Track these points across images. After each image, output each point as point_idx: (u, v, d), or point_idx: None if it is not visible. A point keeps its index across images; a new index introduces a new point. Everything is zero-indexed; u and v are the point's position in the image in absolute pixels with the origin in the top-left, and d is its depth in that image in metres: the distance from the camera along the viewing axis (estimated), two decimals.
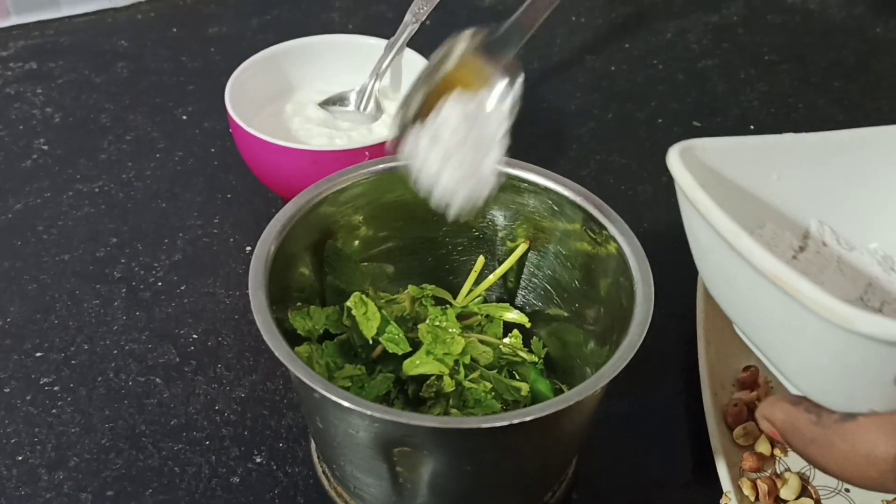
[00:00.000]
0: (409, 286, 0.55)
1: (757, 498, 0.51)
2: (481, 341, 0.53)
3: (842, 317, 0.35)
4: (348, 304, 0.51)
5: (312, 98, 0.71)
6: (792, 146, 0.49)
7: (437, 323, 0.52)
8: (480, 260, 0.56)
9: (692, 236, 0.46)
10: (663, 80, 0.87)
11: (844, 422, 0.38)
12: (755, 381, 0.57)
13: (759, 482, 0.52)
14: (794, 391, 0.42)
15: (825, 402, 0.40)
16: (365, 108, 0.70)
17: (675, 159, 0.44)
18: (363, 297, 0.50)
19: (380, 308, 0.51)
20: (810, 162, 0.49)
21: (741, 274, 0.40)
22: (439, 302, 0.56)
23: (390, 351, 0.50)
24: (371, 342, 0.51)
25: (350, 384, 0.49)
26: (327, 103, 0.70)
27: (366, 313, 0.50)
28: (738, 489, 0.51)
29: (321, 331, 0.51)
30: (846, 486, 0.53)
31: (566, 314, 0.54)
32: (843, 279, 0.49)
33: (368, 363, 0.52)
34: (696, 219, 0.43)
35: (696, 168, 0.44)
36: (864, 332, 0.35)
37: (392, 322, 0.51)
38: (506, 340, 0.55)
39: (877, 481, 0.37)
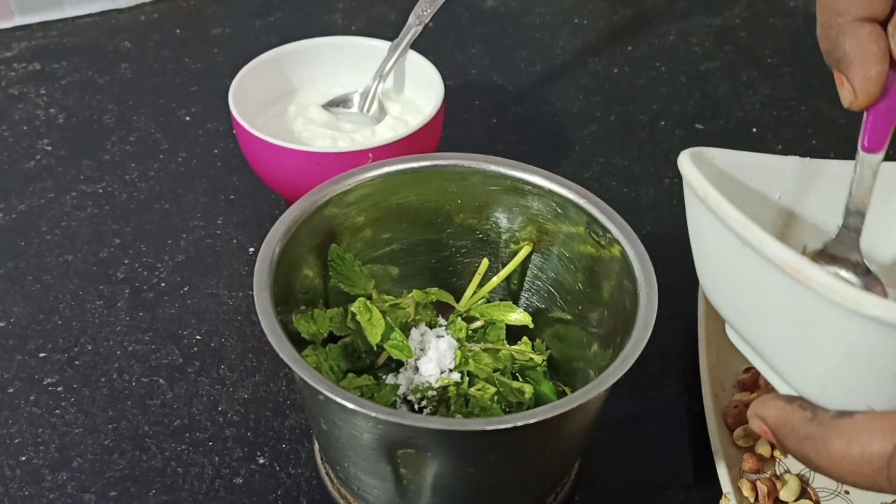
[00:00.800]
0: (414, 291, 0.55)
1: (756, 499, 0.51)
2: (487, 350, 0.53)
3: (855, 301, 0.35)
4: (353, 309, 0.51)
5: (315, 100, 0.71)
6: (796, 169, 0.50)
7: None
8: (484, 263, 0.56)
9: (696, 237, 0.46)
10: (666, 83, 0.87)
11: (840, 418, 0.38)
12: (755, 382, 0.57)
13: (758, 483, 0.52)
14: (787, 391, 0.42)
15: (822, 399, 0.39)
16: (368, 110, 0.70)
17: (687, 161, 0.44)
18: (367, 302, 0.51)
19: (384, 314, 0.51)
20: (812, 186, 0.50)
21: (749, 269, 0.40)
22: (443, 306, 0.56)
23: (395, 357, 0.51)
24: (375, 348, 0.51)
25: (360, 394, 0.49)
26: (330, 105, 0.70)
27: (370, 319, 0.50)
28: (738, 490, 0.51)
29: (325, 334, 0.51)
30: (846, 487, 0.53)
31: (569, 317, 0.54)
32: None
33: (373, 369, 0.53)
34: (703, 216, 0.43)
35: (704, 172, 0.44)
36: (877, 317, 0.35)
37: (396, 329, 0.51)
38: (515, 347, 0.55)
39: (870, 478, 0.37)
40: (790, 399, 0.40)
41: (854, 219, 0.45)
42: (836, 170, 0.51)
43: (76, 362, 0.60)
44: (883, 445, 0.36)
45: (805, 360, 0.40)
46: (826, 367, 0.39)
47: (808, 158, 0.51)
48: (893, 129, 0.43)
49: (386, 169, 0.52)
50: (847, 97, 0.43)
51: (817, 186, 0.51)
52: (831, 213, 0.50)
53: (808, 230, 0.51)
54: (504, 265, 0.56)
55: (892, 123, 0.43)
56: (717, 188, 0.44)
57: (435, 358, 0.51)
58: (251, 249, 0.68)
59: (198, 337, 0.62)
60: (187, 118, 0.81)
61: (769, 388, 0.57)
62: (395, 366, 0.52)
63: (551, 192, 0.52)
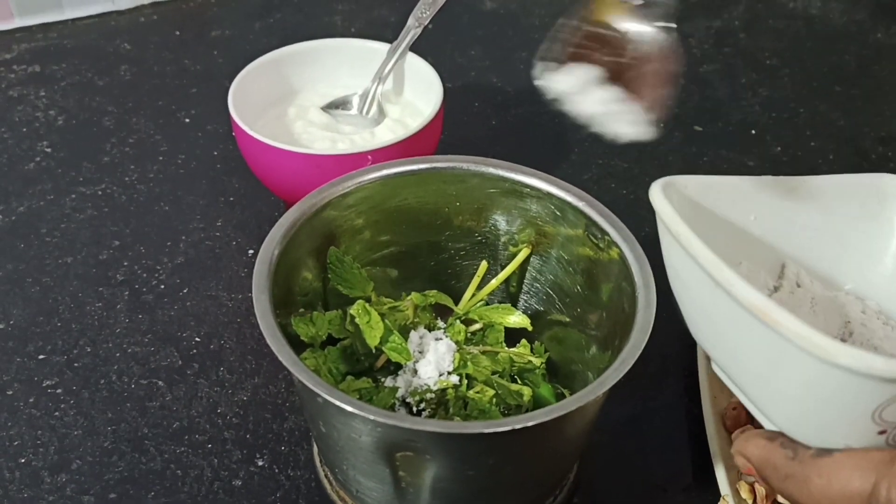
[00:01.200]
0: (412, 293, 0.55)
1: (755, 501, 0.51)
2: (486, 352, 0.53)
3: (823, 349, 0.36)
4: (352, 311, 0.51)
5: (315, 102, 0.71)
6: (770, 188, 0.51)
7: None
8: (483, 265, 0.56)
9: (672, 270, 0.46)
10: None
11: (820, 457, 0.38)
12: None
13: (756, 485, 0.52)
14: (770, 426, 0.42)
15: (801, 437, 0.40)
16: (367, 112, 0.70)
17: (658, 193, 0.45)
18: (366, 305, 0.51)
19: (383, 317, 0.51)
20: (787, 204, 0.51)
21: (721, 307, 0.40)
22: (441, 308, 0.56)
23: (393, 360, 0.51)
24: (374, 350, 0.51)
25: (358, 397, 0.49)
26: (330, 107, 0.70)
27: (369, 322, 0.50)
28: (736, 492, 0.51)
29: (324, 337, 0.51)
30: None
31: (568, 319, 0.54)
32: (816, 320, 0.50)
33: (372, 371, 0.53)
34: (677, 252, 0.43)
35: (677, 203, 0.45)
36: (846, 365, 0.35)
37: (395, 332, 0.51)
38: (514, 349, 0.55)
39: None
40: (772, 437, 0.41)
41: None
42: (811, 186, 0.52)
43: (75, 364, 0.60)
44: (861, 483, 0.36)
45: (780, 399, 0.40)
46: (800, 408, 0.39)
47: (781, 177, 0.51)
48: None
49: (385, 171, 0.52)
50: None
51: (793, 204, 0.51)
52: (810, 230, 0.51)
53: (788, 248, 0.51)
54: (503, 267, 0.56)
55: None
56: (692, 217, 0.44)
57: (433, 360, 0.51)
58: (250, 251, 0.68)
59: (197, 339, 0.62)
60: (187, 120, 0.81)
61: None
62: (394, 368, 0.52)
63: (550, 195, 0.52)
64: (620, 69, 0.45)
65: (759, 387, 0.42)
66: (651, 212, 0.72)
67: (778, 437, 0.41)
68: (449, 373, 0.51)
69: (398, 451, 0.43)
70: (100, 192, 0.73)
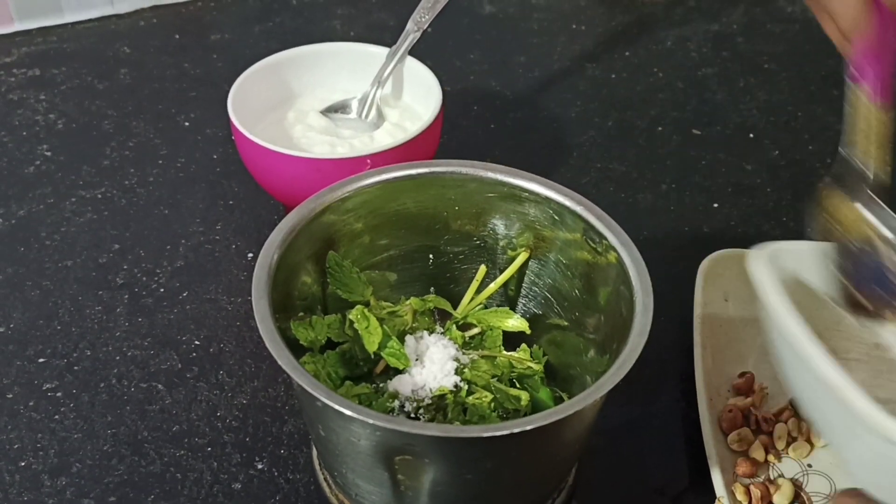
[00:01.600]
0: (411, 298, 0.55)
1: (750, 503, 0.52)
2: (485, 357, 0.53)
3: (886, 429, 0.39)
4: (351, 317, 0.51)
5: (314, 106, 0.71)
6: None
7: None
8: (482, 269, 0.56)
9: (767, 322, 0.48)
10: (663, 89, 0.88)
11: None
12: (750, 387, 0.58)
13: (752, 487, 0.52)
14: (852, 483, 0.46)
15: (878, 496, 0.43)
16: (367, 116, 0.70)
17: (758, 263, 0.46)
18: (365, 311, 0.51)
19: (381, 322, 0.51)
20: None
21: (805, 369, 0.43)
22: (440, 312, 0.57)
23: (392, 366, 0.51)
24: (373, 356, 0.51)
25: (358, 402, 0.50)
26: (329, 111, 0.71)
27: (368, 327, 0.50)
28: (732, 494, 0.51)
29: (323, 341, 0.51)
30: (839, 493, 0.54)
31: (566, 323, 0.54)
32: None
33: (371, 376, 0.53)
34: (766, 314, 0.46)
35: (781, 270, 0.47)
36: None
37: (393, 337, 0.51)
38: (514, 354, 0.55)
39: None
40: (855, 494, 0.46)
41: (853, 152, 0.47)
42: None
43: (75, 368, 0.60)
44: None
45: (857, 460, 0.44)
46: (874, 473, 0.43)
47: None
48: (882, 69, 0.46)
49: (384, 176, 0.52)
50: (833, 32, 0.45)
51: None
52: None
53: None
54: (501, 272, 0.56)
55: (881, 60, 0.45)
56: (793, 281, 0.47)
57: (432, 365, 0.51)
58: (250, 255, 0.68)
59: (196, 342, 0.62)
60: (186, 124, 0.81)
61: (763, 394, 0.58)
62: (393, 373, 0.52)
63: (548, 199, 0.52)
64: None
65: (839, 444, 0.46)
66: (649, 215, 0.73)
67: (859, 495, 0.45)
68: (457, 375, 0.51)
69: (397, 455, 0.43)
70: (99, 196, 0.73)
